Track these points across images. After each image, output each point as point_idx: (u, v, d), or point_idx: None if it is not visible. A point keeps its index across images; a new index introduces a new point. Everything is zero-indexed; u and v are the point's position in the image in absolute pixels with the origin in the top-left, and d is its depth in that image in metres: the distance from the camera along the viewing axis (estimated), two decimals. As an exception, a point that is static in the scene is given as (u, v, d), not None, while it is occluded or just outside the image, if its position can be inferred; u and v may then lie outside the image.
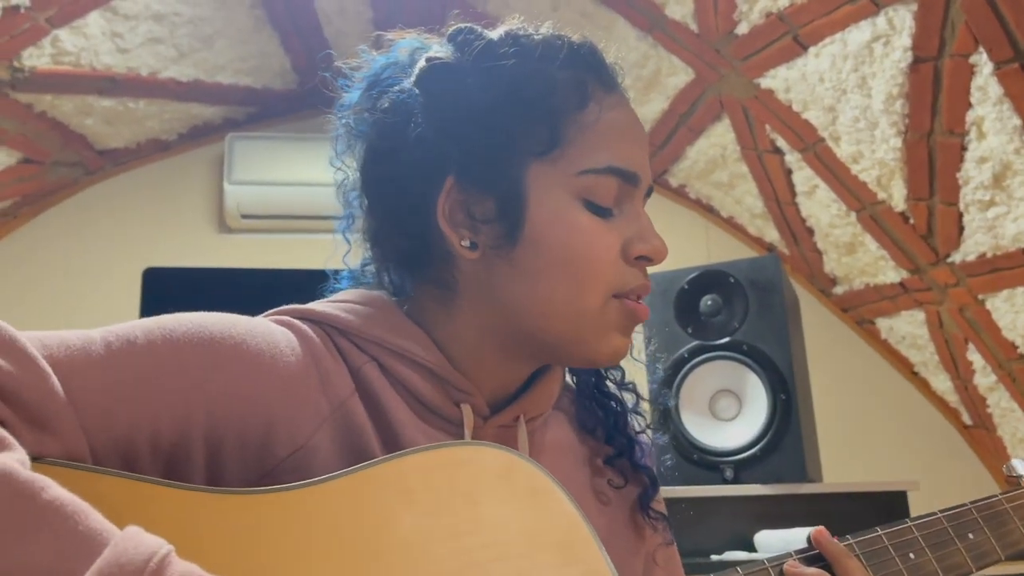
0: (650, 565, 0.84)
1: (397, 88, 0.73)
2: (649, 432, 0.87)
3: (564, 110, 0.71)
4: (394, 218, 0.75)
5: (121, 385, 0.59)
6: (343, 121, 0.77)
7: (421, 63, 0.73)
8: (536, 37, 0.74)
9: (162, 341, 0.62)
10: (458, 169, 0.70)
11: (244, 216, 2.82)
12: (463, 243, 0.71)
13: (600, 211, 0.71)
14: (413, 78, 0.73)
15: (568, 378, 0.86)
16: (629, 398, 0.85)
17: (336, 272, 0.83)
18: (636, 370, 0.85)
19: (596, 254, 0.70)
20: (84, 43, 2.31)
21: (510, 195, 0.70)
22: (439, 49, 0.74)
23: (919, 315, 2.70)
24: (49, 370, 0.56)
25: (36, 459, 0.54)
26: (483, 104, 0.70)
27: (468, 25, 0.74)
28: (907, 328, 2.80)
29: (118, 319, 0.67)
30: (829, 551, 0.78)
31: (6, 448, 0.50)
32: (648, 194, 0.77)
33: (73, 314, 2.66)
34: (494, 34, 0.74)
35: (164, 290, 1.80)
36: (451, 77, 0.71)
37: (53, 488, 0.49)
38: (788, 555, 0.78)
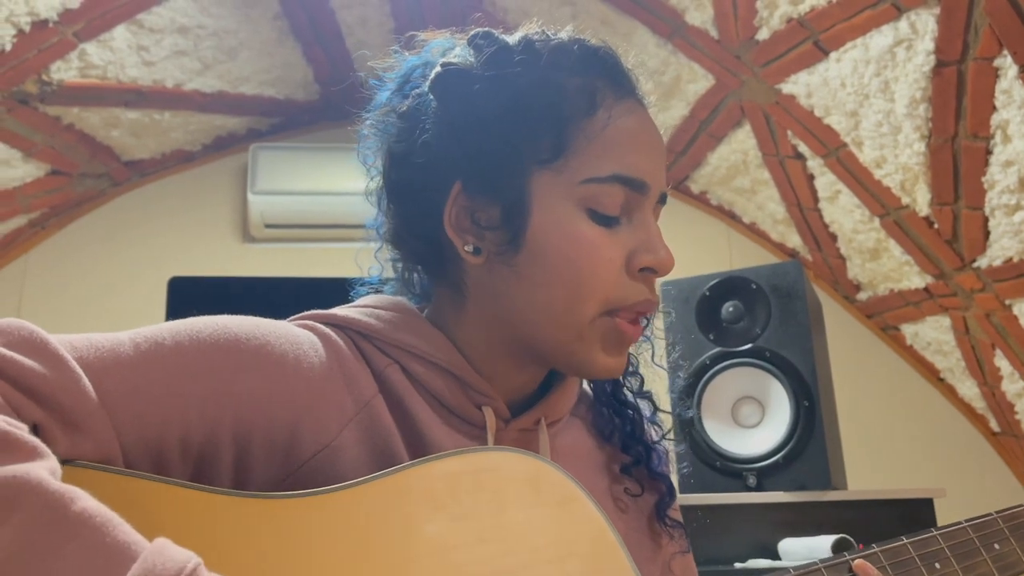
0: (666, 574, 0.83)
1: (417, 91, 0.74)
2: (667, 441, 0.86)
3: (571, 118, 0.70)
4: (409, 221, 0.76)
5: (151, 386, 0.60)
6: (368, 121, 0.78)
7: (437, 68, 0.73)
8: (551, 43, 0.73)
9: (189, 343, 0.63)
10: (464, 175, 0.71)
11: (268, 226, 2.84)
12: (467, 248, 0.71)
13: (605, 220, 0.70)
14: (428, 82, 0.73)
15: (586, 385, 0.87)
16: (646, 406, 0.85)
17: (360, 280, 0.84)
18: (657, 378, 0.85)
19: (596, 266, 0.69)
20: (111, 56, 2.35)
21: (514, 203, 0.70)
22: (458, 53, 0.74)
23: (945, 321, 2.67)
24: (80, 372, 0.57)
25: (70, 462, 0.55)
26: (490, 111, 0.70)
27: (487, 30, 0.74)
28: (933, 334, 2.77)
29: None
30: None
31: (37, 457, 0.51)
32: (662, 201, 0.75)
33: (101, 323, 2.69)
34: (511, 39, 0.73)
35: (189, 299, 1.82)
36: (462, 82, 0.71)
37: (83, 499, 0.50)
38: (814, 564, 0.78)
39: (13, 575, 0.46)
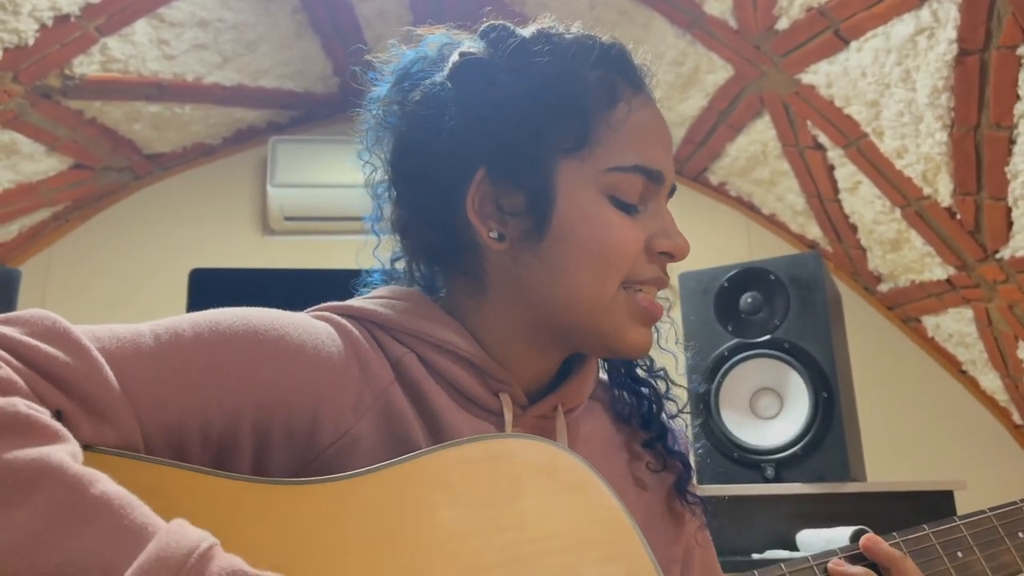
0: (691, 548, 0.84)
1: (429, 81, 0.75)
2: (683, 417, 0.87)
3: (594, 109, 0.72)
4: (423, 210, 0.77)
5: (172, 376, 0.61)
6: (372, 113, 0.79)
7: (455, 57, 0.74)
8: (567, 37, 0.75)
9: (209, 334, 0.64)
10: (489, 162, 0.72)
11: (287, 218, 2.86)
12: (491, 234, 0.73)
13: (625, 207, 0.73)
14: (447, 72, 0.74)
15: (602, 373, 0.87)
16: (660, 384, 0.86)
17: (368, 270, 0.84)
18: (668, 357, 0.86)
19: (622, 247, 0.72)
20: (132, 50, 2.37)
21: (539, 190, 0.72)
22: (471, 45, 0.75)
23: (967, 312, 2.65)
24: (103, 361, 0.58)
25: (92, 448, 0.56)
26: (516, 101, 0.72)
27: (500, 23, 0.76)
28: (955, 326, 2.75)
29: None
30: (882, 558, 0.77)
31: (59, 440, 0.52)
32: (671, 193, 0.78)
33: (123, 314, 2.71)
34: (526, 32, 0.76)
35: (210, 291, 1.83)
36: (485, 72, 0.73)
37: (103, 482, 0.51)
38: (833, 552, 0.78)
39: (34, 555, 0.47)
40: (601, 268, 0.71)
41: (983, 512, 0.84)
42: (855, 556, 0.78)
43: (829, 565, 0.77)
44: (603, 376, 0.87)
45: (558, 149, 0.72)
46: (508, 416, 0.73)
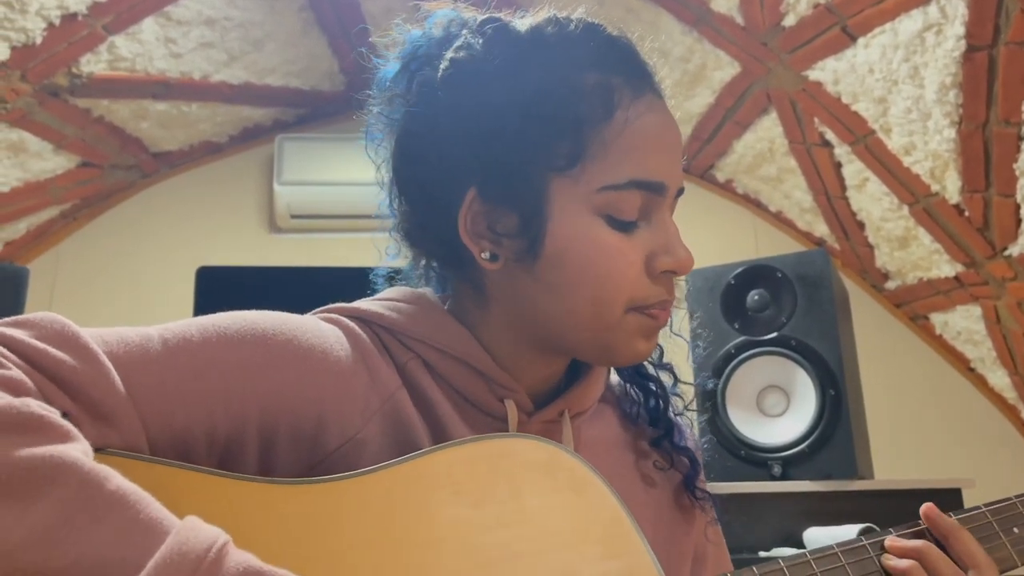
0: (702, 544, 0.84)
1: (423, 79, 0.72)
2: (689, 414, 0.86)
3: (588, 121, 0.68)
4: (423, 221, 0.75)
5: (178, 381, 0.61)
6: (377, 109, 0.76)
7: (444, 64, 0.71)
8: (567, 33, 0.71)
9: (217, 339, 0.64)
10: (480, 182, 0.69)
11: (294, 216, 2.87)
12: (484, 255, 0.71)
13: (623, 226, 0.69)
14: (439, 75, 0.71)
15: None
16: (667, 378, 0.85)
17: (383, 269, 0.84)
18: (677, 351, 0.85)
19: (618, 272, 0.69)
20: (139, 49, 2.38)
21: (531, 211, 0.69)
22: (468, 39, 0.72)
23: (975, 310, 2.64)
24: (110, 365, 0.58)
25: (98, 450, 0.57)
26: (506, 115, 0.69)
27: (499, 19, 0.73)
28: (963, 323, 2.74)
29: (173, 316, 0.69)
30: (941, 526, 0.78)
31: (71, 439, 0.53)
32: (679, 194, 0.74)
33: (130, 311, 2.73)
34: (523, 26, 0.72)
35: (217, 288, 1.84)
36: (475, 81, 0.70)
37: (116, 478, 0.51)
38: (886, 532, 0.79)
39: (51, 549, 0.48)
40: (598, 293, 0.69)
41: (978, 508, 0.84)
42: (912, 535, 0.79)
43: (887, 542, 0.77)
44: (613, 377, 0.87)
45: (549, 167, 0.68)
46: (512, 422, 0.73)
